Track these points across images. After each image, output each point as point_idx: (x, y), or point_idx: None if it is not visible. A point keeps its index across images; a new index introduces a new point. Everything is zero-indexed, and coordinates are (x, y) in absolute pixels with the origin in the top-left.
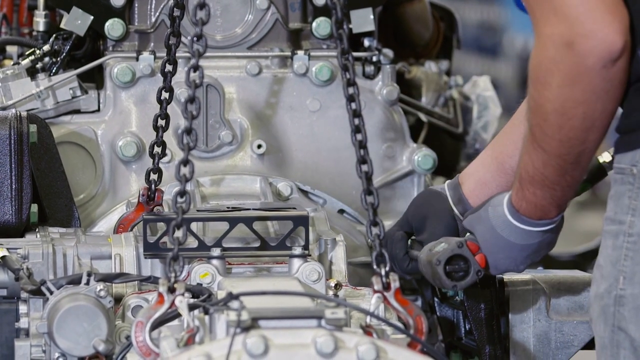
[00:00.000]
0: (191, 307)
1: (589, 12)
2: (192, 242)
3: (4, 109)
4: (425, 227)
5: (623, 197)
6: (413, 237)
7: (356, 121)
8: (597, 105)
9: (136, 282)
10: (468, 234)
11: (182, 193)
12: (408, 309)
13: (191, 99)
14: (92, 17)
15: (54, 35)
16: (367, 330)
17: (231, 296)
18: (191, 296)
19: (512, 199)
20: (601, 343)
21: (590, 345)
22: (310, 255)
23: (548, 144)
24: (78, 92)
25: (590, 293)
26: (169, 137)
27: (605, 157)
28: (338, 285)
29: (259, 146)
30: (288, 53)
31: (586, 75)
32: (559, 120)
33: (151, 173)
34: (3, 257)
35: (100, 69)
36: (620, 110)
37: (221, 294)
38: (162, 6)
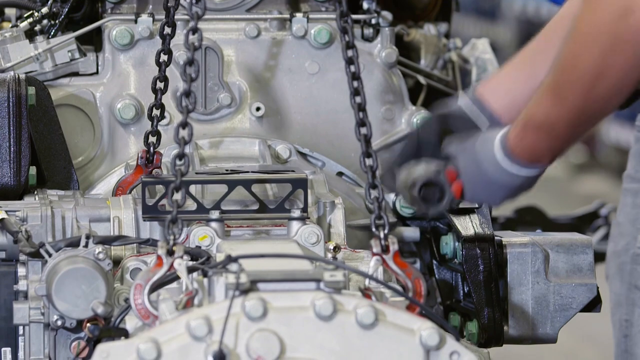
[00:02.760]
0: (190, 270)
1: None
2: (191, 205)
3: (2, 71)
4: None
5: None
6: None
7: (355, 84)
8: (635, 74)
9: (135, 244)
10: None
11: (181, 156)
12: (407, 272)
13: (190, 62)
14: None
15: None
16: (365, 293)
17: (230, 259)
18: (190, 259)
19: (507, 138)
20: (616, 300)
21: (588, 307)
22: (309, 218)
23: (572, 100)
24: (76, 55)
25: (608, 250)
26: (167, 99)
27: None
28: (337, 248)
29: (258, 109)
30: (287, 15)
31: (634, 46)
32: (593, 81)
33: (150, 135)
34: (2, 220)
35: (98, 31)
36: None
37: (220, 257)
38: None
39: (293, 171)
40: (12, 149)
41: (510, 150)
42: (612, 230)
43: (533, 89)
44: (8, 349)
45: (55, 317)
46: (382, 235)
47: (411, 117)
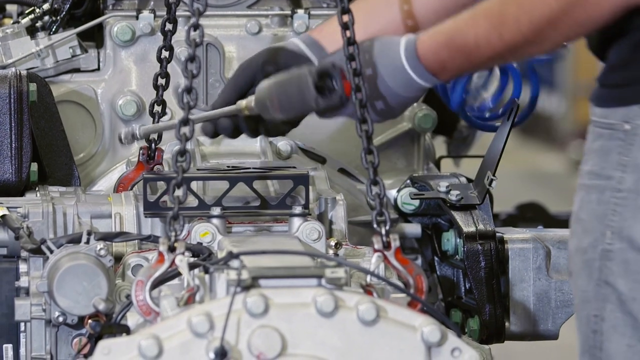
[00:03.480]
0: (191, 266)
1: None
2: (192, 201)
3: (3, 67)
4: None
5: (611, 153)
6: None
7: (356, 80)
8: (588, 28)
9: (136, 241)
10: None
11: (182, 152)
12: (408, 268)
13: (191, 58)
14: None
15: None
16: (367, 289)
17: (231, 255)
18: (191, 255)
19: (419, 44)
20: (583, 297)
21: None
22: (310, 214)
23: (511, 35)
24: (78, 51)
25: (570, 247)
26: (168, 96)
27: None
28: (338, 245)
29: None
30: (288, 12)
31: (597, 5)
32: (544, 27)
33: None
34: (3, 216)
35: (100, 27)
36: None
37: (221, 253)
38: None
39: (294, 167)
40: (14, 145)
41: (418, 57)
42: (573, 227)
43: (371, 34)
44: (9, 346)
45: (57, 313)
46: (383, 231)
47: (412, 114)
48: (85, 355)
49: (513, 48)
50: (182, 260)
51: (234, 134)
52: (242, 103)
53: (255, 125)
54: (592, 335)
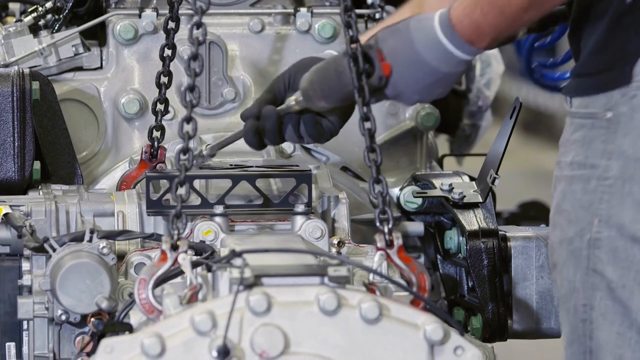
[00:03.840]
0: (194, 265)
1: None
2: (195, 200)
3: (6, 66)
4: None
5: (594, 142)
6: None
7: (359, 79)
8: None
9: (139, 239)
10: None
11: (185, 150)
12: (411, 267)
13: (194, 56)
14: None
15: None
16: (370, 287)
17: (234, 253)
18: (194, 253)
19: (452, 12)
20: (570, 287)
21: None
22: (313, 213)
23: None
24: (80, 49)
25: (553, 239)
26: (171, 94)
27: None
28: (341, 243)
29: None
30: (291, 10)
31: None
32: None
33: (154, 130)
34: (6, 215)
35: (102, 26)
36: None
37: (224, 252)
38: None
39: (297, 166)
40: (16, 143)
41: (452, 26)
42: (555, 219)
43: None
44: (12, 344)
45: (60, 311)
46: (386, 230)
47: (415, 112)
48: (88, 354)
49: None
50: (185, 259)
51: (278, 139)
52: (291, 99)
53: (310, 123)
54: (581, 325)
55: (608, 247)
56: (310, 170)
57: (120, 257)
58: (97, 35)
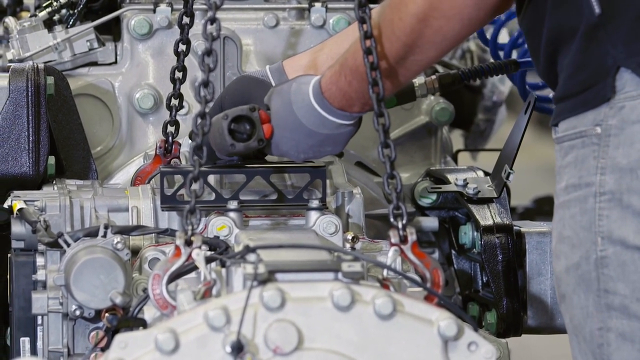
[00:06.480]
0: (208, 260)
1: None
2: (209, 195)
3: (21, 61)
4: None
5: (587, 160)
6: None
7: (373, 74)
8: (456, 25)
9: (153, 234)
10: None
11: (200, 146)
12: (425, 262)
13: (208, 52)
14: None
15: None
16: (384, 283)
17: (248, 249)
18: (208, 249)
19: (322, 80)
20: (583, 314)
21: None
22: (327, 208)
23: (391, 43)
24: (95, 44)
25: (557, 269)
26: (186, 89)
27: (419, 80)
28: (355, 238)
29: None
30: (305, 5)
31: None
32: (415, 25)
33: (168, 125)
34: (20, 210)
35: (117, 21)
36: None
37: (238, 247)
38: None
39: (312, 161)
40: (31, 138)
41: (322, 93)
42: (557, 249)
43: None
44: (27, 339)
45: (74, 307)
46: (400, 225)
47: (430, 107)
48: (102, 349)
49: (398, 57)
50: (199, 254)
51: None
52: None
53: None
54: (598, 351)
55: (616, 263)
56: (324, 165)
57: (135, 252)
58: (112, 30)
